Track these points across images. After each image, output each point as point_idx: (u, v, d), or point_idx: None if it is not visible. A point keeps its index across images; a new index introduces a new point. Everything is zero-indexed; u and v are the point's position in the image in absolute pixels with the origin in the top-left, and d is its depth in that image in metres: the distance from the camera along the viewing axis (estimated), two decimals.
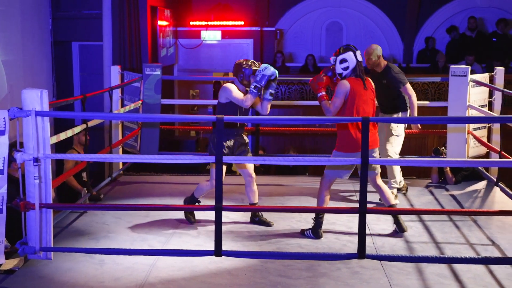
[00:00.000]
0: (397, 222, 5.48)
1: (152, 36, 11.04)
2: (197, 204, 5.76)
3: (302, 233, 5.51)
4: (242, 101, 5.47)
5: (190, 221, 5.76)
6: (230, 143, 5.57)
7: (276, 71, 5.48)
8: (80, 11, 10.81)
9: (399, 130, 6.51)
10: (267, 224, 5.75)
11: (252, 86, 5.44)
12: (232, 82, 5.61)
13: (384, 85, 6.43)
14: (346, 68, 5.31)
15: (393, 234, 5.51)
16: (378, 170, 5.53)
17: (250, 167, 5.74)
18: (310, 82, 5.53)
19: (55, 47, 10.30)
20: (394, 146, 6.52)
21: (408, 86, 6.45)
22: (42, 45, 9.84)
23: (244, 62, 5.56)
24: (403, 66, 13.01)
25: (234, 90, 5.52)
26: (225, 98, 5.54)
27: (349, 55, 5.29)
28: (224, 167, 5.58)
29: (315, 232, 5.43)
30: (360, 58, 5.34)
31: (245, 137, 5.72)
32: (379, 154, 6.32)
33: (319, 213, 5.45)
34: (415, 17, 13.74)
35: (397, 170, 6.63)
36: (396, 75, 6.42)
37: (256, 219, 5.80)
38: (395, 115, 6.52)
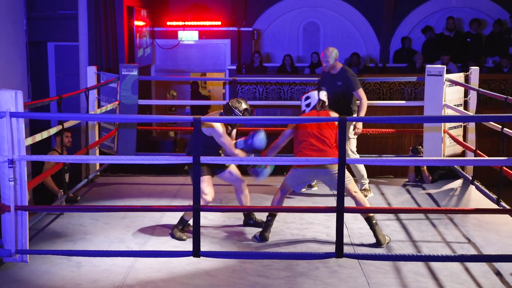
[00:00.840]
0: (376, 235, 5.33)
1: (129, 36, 10.98)
2: (187, 226, 5.49)
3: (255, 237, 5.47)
4: (230, 151, 5.39)
5: (182, 239, 5.39)
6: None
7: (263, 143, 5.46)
8: (55, 11, 10.70)
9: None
10: (261, 225, 5.67)
11: (244, 148, 5.45)
12: (220, 115, 5.54)
13: (338, 87, 6.51)
14: (308, 105, 5.53)
15: (370, 233, 5.53)
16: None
17: (237, 172, 5.66)
18: None
19: (30, 47, 10.19)
20: (353, 146, 6.69)
21: (361, 90, 6.57)
22: (17, 46, 9.72)
23: (238, 107, 5.48)
24: (380, 66, 13.09)
25: (224, 136, 5.39)
26: (209, 133, 5.41)
27: (313, 93, 5.56)
28: (209, 177, 5.51)
29: (262, 235, 5.41)
30: (323, 98, 5.51)
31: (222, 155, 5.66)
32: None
33: (271, 214, 5.50)
34: (391, 17, 13.84)
35: (363, 168, 6.71)
36: (352, 78, 6.56)
37: (251, 222, 5.74)
38: None
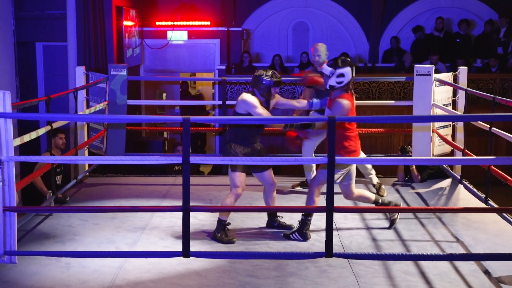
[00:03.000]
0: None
1: (118, 36, 10.94)
2: (227, 227, 5.44)
3: (287, 237, 5.41)
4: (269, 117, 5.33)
5: (232, 241, 5.36)
6: (247, 150, 5.43)
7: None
8: (43, 11, 10.65)
9: None
10: (287, 228, 5.64)
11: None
12: (252, 93, 5.42)
13: None
14: (340, 83, 5.20)
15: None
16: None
17: (271, 174, 5.59)
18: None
19: (18, 47, 10.14)
20: None
21: None
22: (4, 46, 9.67)
23: (264, 74, 5.38)
24: (369, 66, 13.14)
25: (257, 106, 5.31)
26: (244, 110, 5.35)
27: (347, 71, 5.19)
28: (243, 174, 5.44)
29: (302, 233, 5.38)
30: (353, 74, 5.28)
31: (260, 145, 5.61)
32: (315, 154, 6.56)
33: (307, 214, 5.39)
34: (381, 17, 13.88)
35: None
36: None
37: (275, 224, 5.70)
38: None
